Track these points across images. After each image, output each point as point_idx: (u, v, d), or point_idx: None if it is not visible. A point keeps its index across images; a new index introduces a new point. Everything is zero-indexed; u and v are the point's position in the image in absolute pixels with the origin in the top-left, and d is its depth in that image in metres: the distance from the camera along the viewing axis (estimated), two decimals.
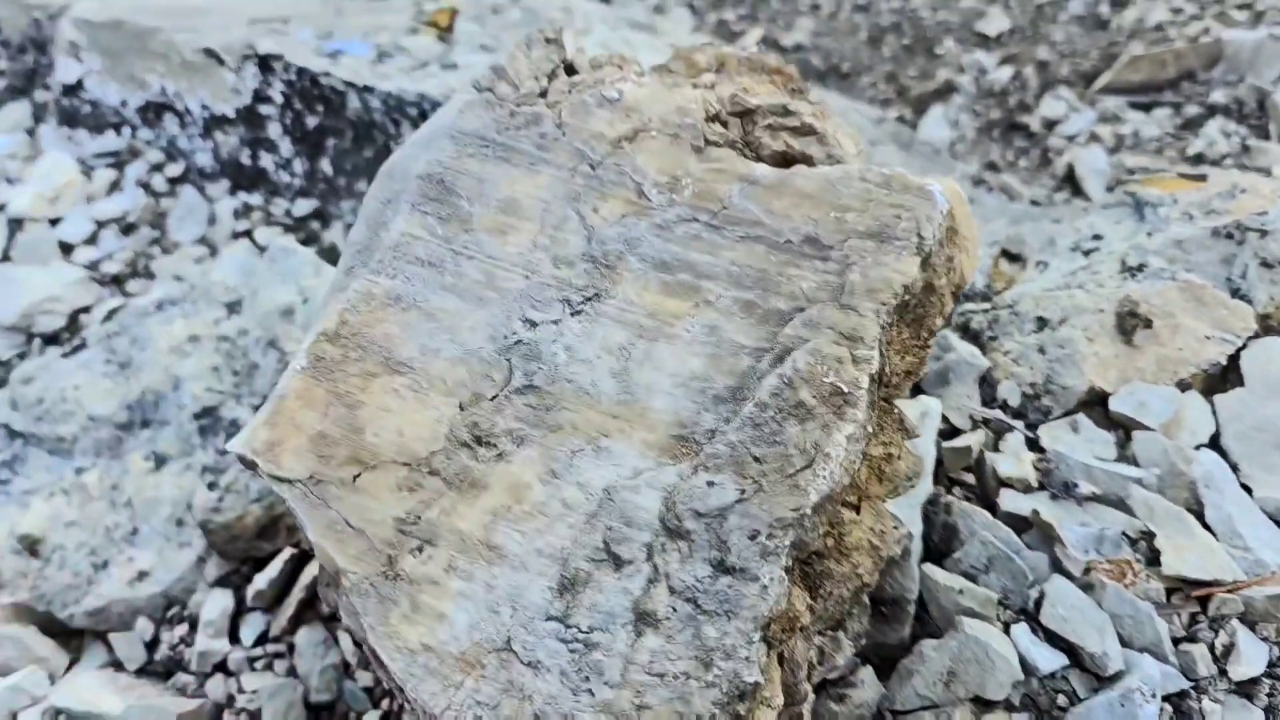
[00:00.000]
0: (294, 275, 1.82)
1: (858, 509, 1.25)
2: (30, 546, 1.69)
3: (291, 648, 1.55)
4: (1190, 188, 1.79)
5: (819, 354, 1.16)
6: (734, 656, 1.03)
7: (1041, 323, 1.69)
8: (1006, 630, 1.42)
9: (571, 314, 1.23)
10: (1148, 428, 1.58)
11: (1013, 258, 2.04)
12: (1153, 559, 1.47)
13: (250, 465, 1.18)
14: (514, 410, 1.18)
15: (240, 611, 1.59)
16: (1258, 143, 2.77)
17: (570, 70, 1.44)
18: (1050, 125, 3.06)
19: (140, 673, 1.59)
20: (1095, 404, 1.63)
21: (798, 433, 1.13)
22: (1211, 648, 1.42)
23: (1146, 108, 3.03)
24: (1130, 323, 1.63)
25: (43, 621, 1.65)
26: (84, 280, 2.11)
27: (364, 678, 1.51)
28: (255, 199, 2.27)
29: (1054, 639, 1.41)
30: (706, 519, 1.09)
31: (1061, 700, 1.38)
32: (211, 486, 1.67)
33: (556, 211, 1.29)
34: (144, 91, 2.35)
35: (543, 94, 1.39)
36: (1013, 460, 1.56)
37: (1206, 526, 1.51)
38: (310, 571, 1.58)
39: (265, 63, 2.20)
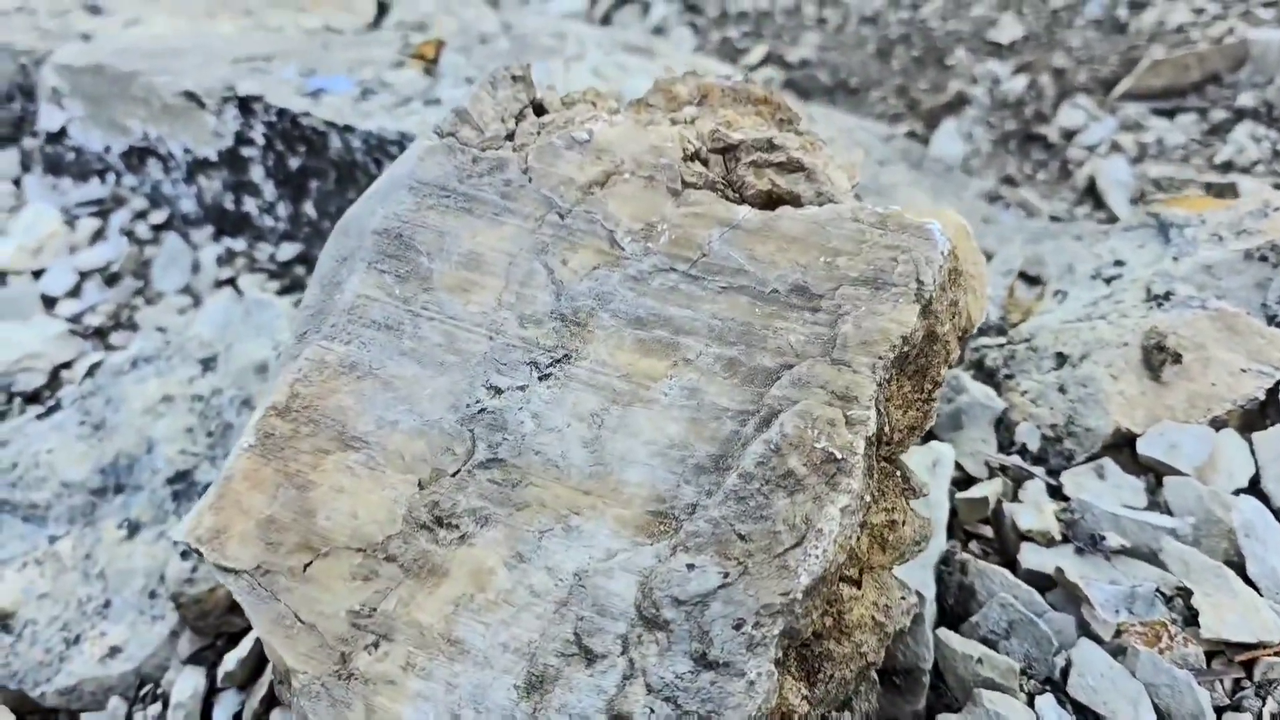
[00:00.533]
0: (269, 329, 1.73)
1: (859, 583, 1.14)
2: (2, 621, 1.61)
3: None
4: (1219, 206, 1.67)
5: (809, 416, 1.06)
6: None
7: (1061, 359, 1.57)
8: (1031, 702, 1.30)
9: (539, 378, 1.13)
10: (1180, 472, 1.46)
11: (1031, 280, 1.93)
12: (1190, 619, 1.35)
13: (197, 554, 1.09)
14: (477, 487, 1.08)
15: (213, 690, 1.50)
16: None
17: (540, 110, 1.34)
18: (1069, 135, 2.94)
19: None
20: (1122, 446, 1.51)
21: (786, 506, 1.02)
22: (1259, 717, 1.29)
23: (1170, 114, 2.90)
24: (1158, 357, 1.51)
25: (14, 700, 1.57)
26: (65, 335, 2.04)
27: None
28: (239, 244, 2.19)
29: (1083, 711, 1.29)
30: (686, 607, 0.99)
31: None
32: (184, 556, 1.58)
33: (523, 265, 1.19)
34: (126, 137, 2.29)
35: (509, 136, 1.30)
36: (1033, 511, 1.44)
37: (1249, 580, 1.38)
38: None
39: (245, 104, 2.12)
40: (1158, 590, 1.37)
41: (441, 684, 0.99)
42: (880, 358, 1.10)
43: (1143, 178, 2.72)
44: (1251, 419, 1.52)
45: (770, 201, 1.25)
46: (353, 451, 1.11)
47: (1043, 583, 1.40)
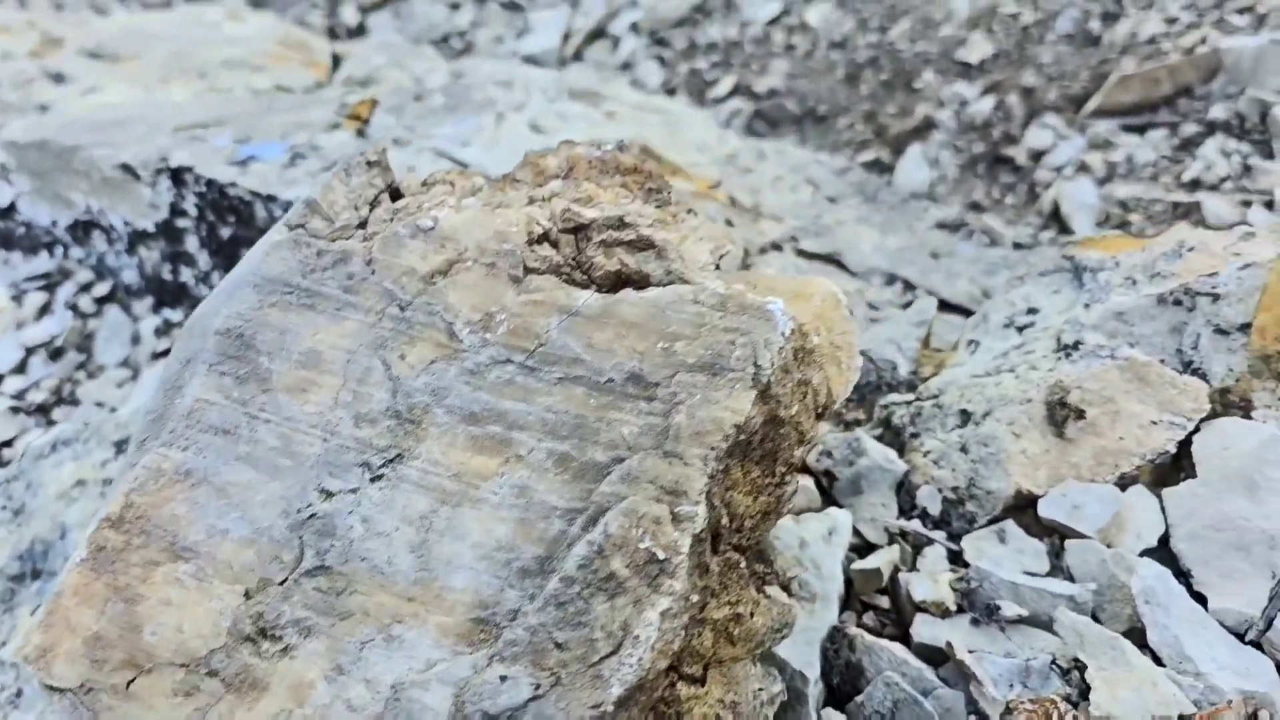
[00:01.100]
0: None
1: (702, 680, 1.10)
2: None
3: None
4: (1134, 246, 1.61)
5: (634, 514, 1.03)
6: None
7: (965, 416, 1.53)
8: None
9: (371, 479, 1.12)
10: (1083, 534, 1.41)
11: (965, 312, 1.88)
12: (1085, 693, 1.29)
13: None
14: (302, 596, 1.07)
15: None
16: (1260, 162, 2.56)
17: (396, 195, 1.33)
18: (1037, 156, 2.87)
19: None
20: (1025, 508, 1.46)
21: (606, 611, 1.00)
22: None
23: (1141, 130, 2.82)
24: (1061, 413, 1.46)
25: None
26: (7, 412, 2.07)
27: None
28: (177, 315, 2.21)
29: None
30: None
31: None
32: None
33: (361, 362, 1.18)
34: (72, 210, 2.32)
35: (363, 224, 1.28)
36: (928, 580, 1.40)
37: (1150, 649, 1.33)
38: None
39: (177, 175, 2.14)
40: (1055, 662, 1.32)
41: None
42: (713, 448, 1.07)
43: (1109, 199, 2.64)
44: (1164, 474, 1.47)
45: (619, 282, 1.22)
46: (183, 562, 1.10)
47: (936, 657, 1.36)
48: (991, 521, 1.45)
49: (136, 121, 2.39)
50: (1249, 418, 1.46)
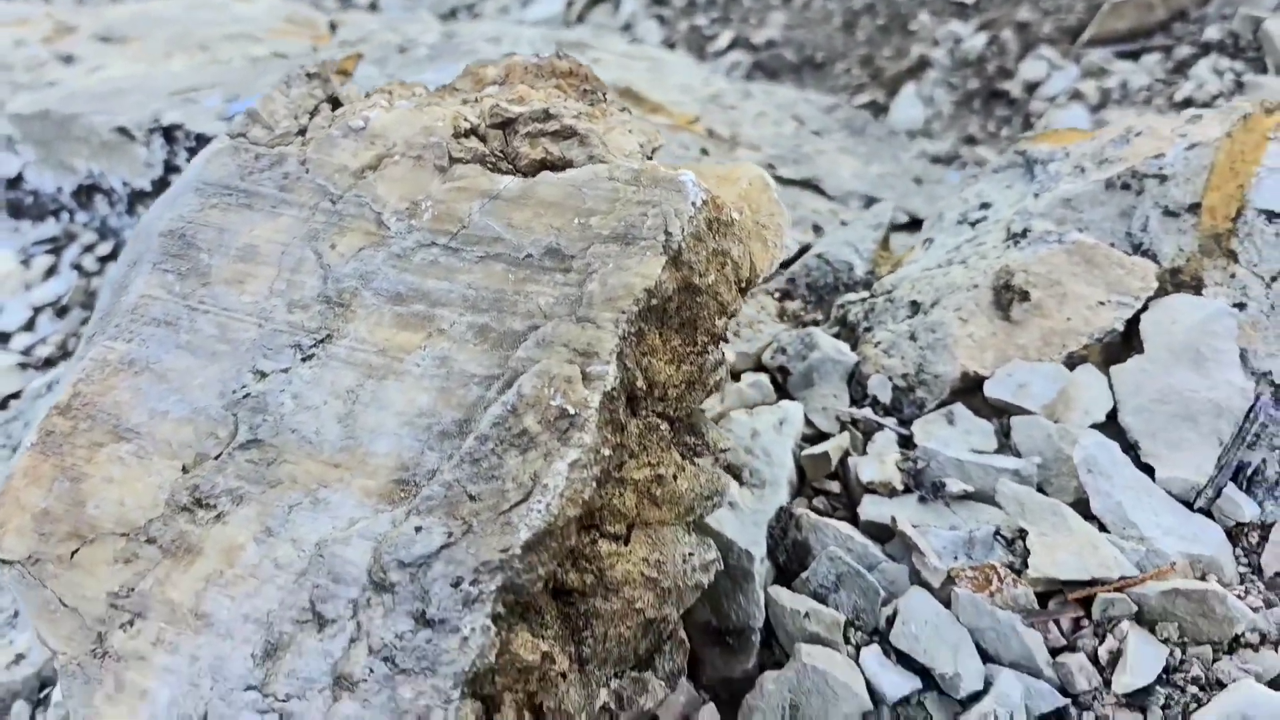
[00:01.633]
0: None
1: (626, 539, 1.13)
2: None
3: None
4: (1084, 137, 1.61)
5: (547, 375, 1.06)
6: (428, 718, 0.93)
7: (915, 307, 1.54)
8: (858, 655, 1.27)
9: (302, 360, 1.16)
10: (1028, 411, 1.41)
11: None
12: (1028, 560, 1.30)
13: None
14: (236, 468, 1.12)
15: None
16: (1254, 77, 2.52)
17: (336, 104, 1.38)
18: (1031, 88, 2.85)
19: None
20: (973, 391, 1.47)
21: (517, 464, 1.03)
22: (1095, 657, 1.24)
23: (1135, 55, 2.79)
24: (1006, 296, 1.46)
25: None
26: (14, 367, 2.15)
27: None
28: None
29: (907, 661, 1.26)
30: (411, 569, 1.00)
31: None
32: None
33: (294, 254, 1.22)
34: (75, 176, 2.41)
35: (301, 132, 1.33)
36: (875, 462, 1.41)
37: (1094, 518, 1.33)
38: None
39: (169, 133, 2.21)
40: (997, 533, 1.33)
41: (186, 657, 1.03)
42: (624, 312, 1.10)
43: (1101, 125, 2.62)
44: (1113, 353, 1.46)
45: (543, 169, 1.25)
46: (125, 443, 1.15)
47: (883, 534, 1.37)
48: (941, 405, 1.46)
49: (134, 90, 2.47)
50: (1200, 296, 1.46)
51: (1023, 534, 1.32)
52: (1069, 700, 1.22)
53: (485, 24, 3.04)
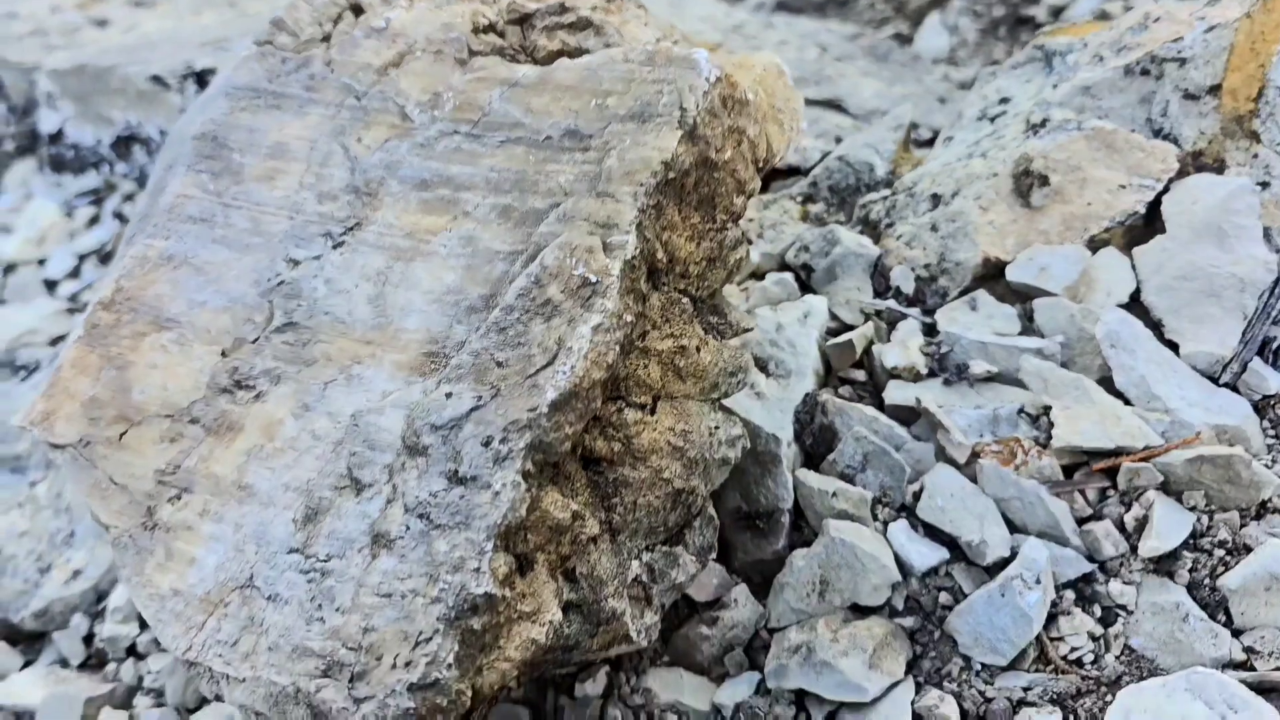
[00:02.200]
0: None
1: (652, 409, 1.16)
2: None
3: None
4: (1102, 27, 1.61)
5: (569, 247, 1.09)
6: (463, 569, 0.97)
7: (936, 199, 1.55)
8: (885, 530, 1.29)
9: (333, 247, 1.20)
10: (1050, 293, 1.42)
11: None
12: (1051, 435, 1.31)
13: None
14: (272, 350, 1.16)
15: None
16: None
17: (358, 12, 1.40)
18: (1057, 12, 2.83)
19: (82, 666, 1.64)
20: (996, 277, 1.47)
21: (542, 331, 1.06)
22: (1121, 524, 1.26)
23: None
24: (1025, 182, 1.47)
25: (0, 627, 1.73)
26: (61, 312, 2.22)
27: None
28: None
29: (934, 534, 1.28)
30: (443, 431, 1.03)
31: (945, 598, 1.25)
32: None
33: (322, 149, 1.26)
34: (113, 127, 2.47)
35: (326, 39, 1.36)
36: (899, 349, 1.43)
37: (1118, 393, 1.34)
38: None
39: (201, 78, 2.26)
40: (1021, 411, 1.34)
41: (231, 525, 1.07)
42: (642, 184, 1.12)
43: None
44: (1136, 236, 1.47)
45: (559, 58, 1.28)
46: (166, 332, 1.19)
47: (908, 417, 1.39)
48: (963, 293, 1.47)
49: (166, 42, 2.52)
50: None
51: (1047, 411, 1.33)
52: (1095, 566, 1.23)
53: None
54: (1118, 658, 1.18)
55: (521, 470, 1.00)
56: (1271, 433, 1.33)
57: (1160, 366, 1.33)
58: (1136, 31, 1.54)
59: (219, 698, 1.03)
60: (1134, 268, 1.42)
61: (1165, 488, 1.27)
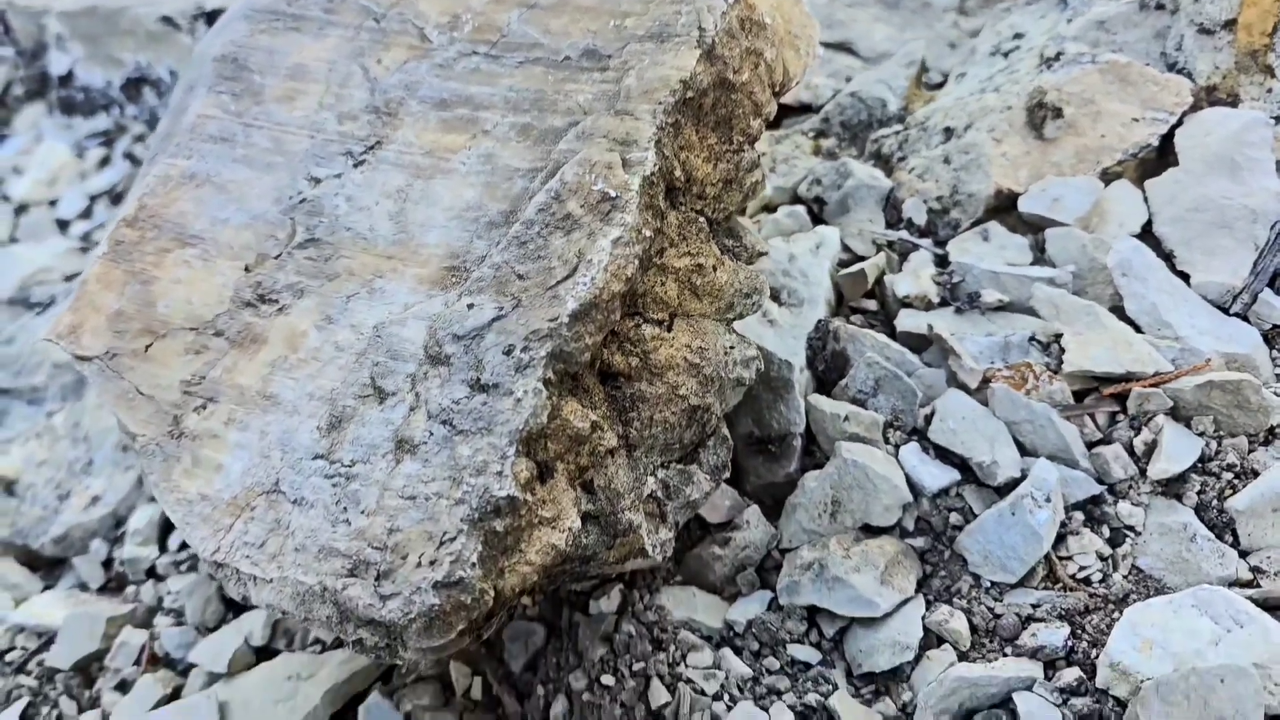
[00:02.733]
0: None
1: (669, 326, 1.18)
2: (7, 487, 1.80)
3: None
4: None
5: (588, 163, 1.10)
6: (485, 472, 0.98)
7: (948, 133, 1.55)
8: (897, 453, 1.31)
9: (354, 165, 1.21)
10: (1062, 223, 1.43)
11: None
12: (1062, 362, 1.33)
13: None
14: (295, 265, 1.17)
15: (170, 521, 1.64)
16: None
17: None
18: None
19: (101, 590, 1.67)
20: (1009, 209, 1.48)
21: (562, 244, 1.07)
22: (1130, 448, 1.27)
23: None
24: (1039, 114, 1.48)
25: (20, 553, 1.76)
26: (73, 250, 2.23)
27: None
28: None
29: (945, 456, 1.30)
30: (465, 341, 1.05)
31: (955, 519, 1.27)
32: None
33: (342, 70, 1.27)
34: (123, 69, 2.47)
35: None
36: (911, 279, 1.44)
37: (1129, 320, 1.35)
38: None
39: (212, 18, 2.26)
40: (1033, 339, 1.35)
41: (256, 433, 1.09)
42: (660, 103, 1.13)
43: None
44: (1149, 169, 1.47)
45: None
46: (190, 248, 1.21)
47: (920, 344, 1.41)
48: (975, 225, 1.48)
49: None
50: None
51: (1058, 338, 1.34)
52: (1104, 488, 1.25)
53: None
54: (1125, 577, 1.20)
55: (543, 378, 1.02)
56: None
57: (1171, 295, 1.35)
58: None
59: (246, 599, 1.05)
60: (1146, 200, 1.43)
61: (1175, 413, 1.28)
